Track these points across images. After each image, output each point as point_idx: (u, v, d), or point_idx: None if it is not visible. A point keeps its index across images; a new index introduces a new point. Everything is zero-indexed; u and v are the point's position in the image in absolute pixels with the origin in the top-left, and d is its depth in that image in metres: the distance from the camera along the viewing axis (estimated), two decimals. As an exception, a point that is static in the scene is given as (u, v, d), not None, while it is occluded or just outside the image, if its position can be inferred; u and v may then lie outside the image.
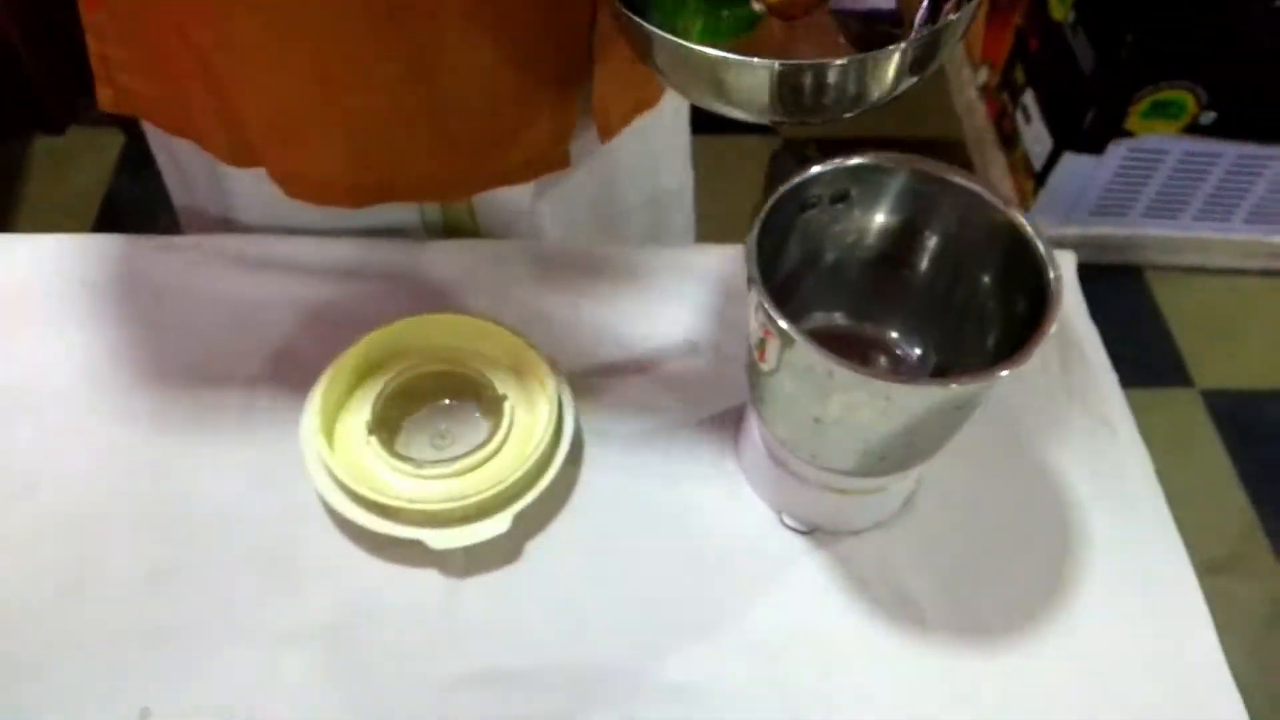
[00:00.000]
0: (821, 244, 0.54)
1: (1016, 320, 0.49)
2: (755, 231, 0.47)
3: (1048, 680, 0.54)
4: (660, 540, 0.57)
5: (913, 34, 0.45)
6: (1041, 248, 0.48)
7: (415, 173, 0.66)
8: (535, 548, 0.57)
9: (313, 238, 0.70)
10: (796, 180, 0.49)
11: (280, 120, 0.62)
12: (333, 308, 0.66)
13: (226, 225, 0.73)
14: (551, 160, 0.69)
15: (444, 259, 0.69)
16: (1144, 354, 1.74)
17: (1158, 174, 1.68)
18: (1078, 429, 0.64)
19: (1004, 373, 0.45)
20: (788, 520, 0.58)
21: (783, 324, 0.44)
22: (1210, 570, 1.50)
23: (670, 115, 0.77)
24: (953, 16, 0.45)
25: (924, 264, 0.54)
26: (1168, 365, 1.73)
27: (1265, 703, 1.42)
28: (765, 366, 0.49)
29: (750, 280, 0.46)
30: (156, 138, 0.72)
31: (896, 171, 0.51)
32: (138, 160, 1.88)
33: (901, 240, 0.54)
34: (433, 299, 0.66)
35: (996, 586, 0.57)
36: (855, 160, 0.50)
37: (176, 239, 0.70)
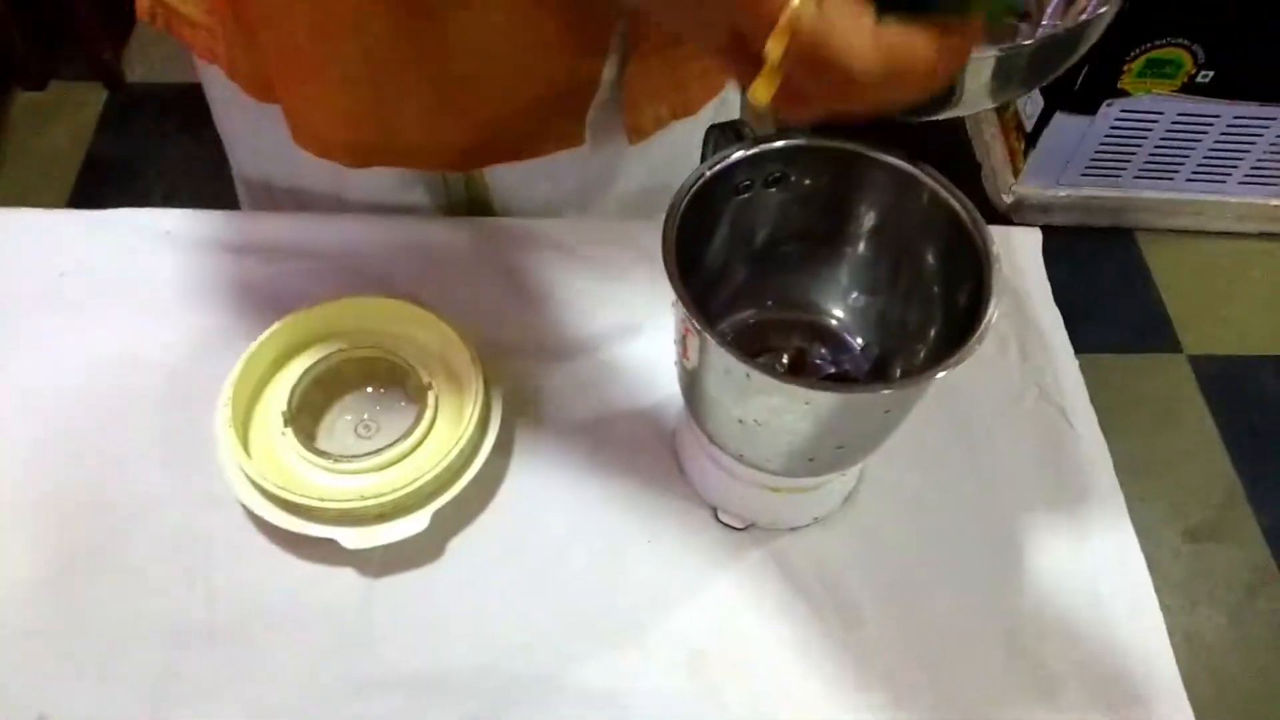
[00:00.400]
0: (756, 229, 0.51)
1: (961, 309, 0.46)
2: (674, 218, 0.44)
3: (991, 689, 0.52)
4: (590, 537, 0.55)
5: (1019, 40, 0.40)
6: (980, 236, 0.45)
7: (413, 134, 0.62)
8: (458, 545, 0.54)
9: (243, 214, 0.67)
10: (721, 164, 0.46)
11: (289, 57, 0.59)
12: (265, 287, 0.63)
13: (269, 191, 0.71)
14: (563, 136, 0.64)
15: (379, 237, 0.66)
16: (1133, 319, 1.71)
17: (1152, 135, 1.64)
18: (1035, 421, 0.61)
19: (938, 375, 0.42)
20: (723, 516, 0.55)
21: (696, 323, 0.41)
22: (1193, 538, 1.50)
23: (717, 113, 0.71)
24: (1089, 15, 0.39)
25: (864, 250, 0.51)
26: (1157, 330, 1.70)
27: (1245, 671, 1.41)
28: (688, 364, 0.46)
29: (668, 270, 0.43)
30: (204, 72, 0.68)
31: (832, 153, 0.47)
32: (120, 116, 1.85)
33: (840, 225, 0.50)
34: (364, 280, 0.63)
35: (941, 588, 0.55)
36: (784, 142, 0.46)
37: (104, 214, 0.67)
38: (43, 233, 0.65)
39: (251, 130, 0.68)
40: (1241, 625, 1.43)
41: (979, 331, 0.42)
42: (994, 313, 0.42)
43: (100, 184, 1.75)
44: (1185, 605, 1.44)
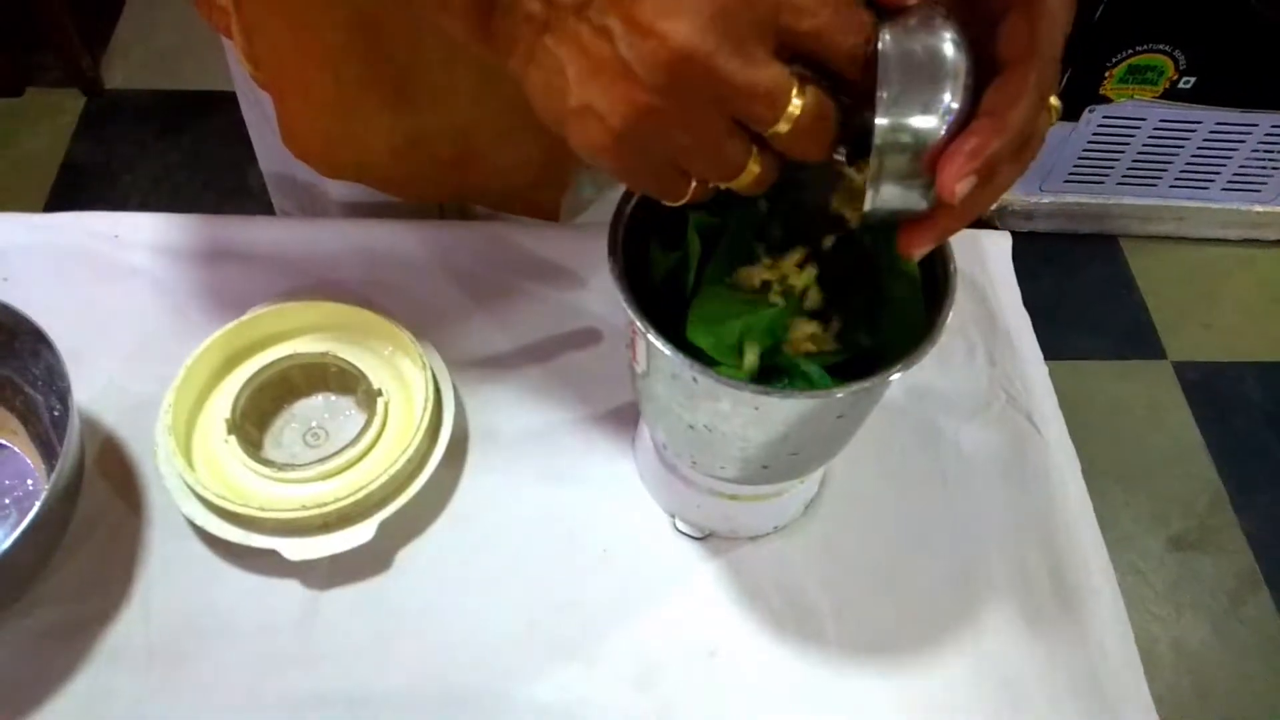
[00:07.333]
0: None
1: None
2: (621, 217, 0.42)
3: (953, 699, 0.51)
4: (543, 548, 0.53)
5: None
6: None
7: (384, 165, 0.63)
8: (406, 557, 0.53)
9: (191, 217, 0.65)
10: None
11: (275, 66, 0.60)
12: (212, 291, 0.61)
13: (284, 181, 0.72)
14: (538, 207, 0.66)
15: (329, 240, 0.64)
16: (1117, 326, 1.70)
17: (1134, 141, 1.63)
18: (1002, 427, 0.60)
19: (889, 379, 0.41)
20: (680, 525, 0.54)
21: (638, 323, 0.40)
22: (1178, 546, 1.49)
23: None
24: None
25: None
26: (1141, 337, 1.70)
27: (1230, 679, 1.40)
28: (638, 368, 0.45)
29: (612, 271, 0.41)
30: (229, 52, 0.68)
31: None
32: (98, 123, 1.84)
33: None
34: (313, 283, 0.62)
35: (905, 598, 0.53)
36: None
37: (51, 218, 0.65)
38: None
39: (262, 118, 0.68)
40: (1226, 633, 1.42)
41: (934, 336, 0.41)
42: (945, 320, 0.41)
43: (77, 191, 1.74)
44: (1170, 613, 1.43)
